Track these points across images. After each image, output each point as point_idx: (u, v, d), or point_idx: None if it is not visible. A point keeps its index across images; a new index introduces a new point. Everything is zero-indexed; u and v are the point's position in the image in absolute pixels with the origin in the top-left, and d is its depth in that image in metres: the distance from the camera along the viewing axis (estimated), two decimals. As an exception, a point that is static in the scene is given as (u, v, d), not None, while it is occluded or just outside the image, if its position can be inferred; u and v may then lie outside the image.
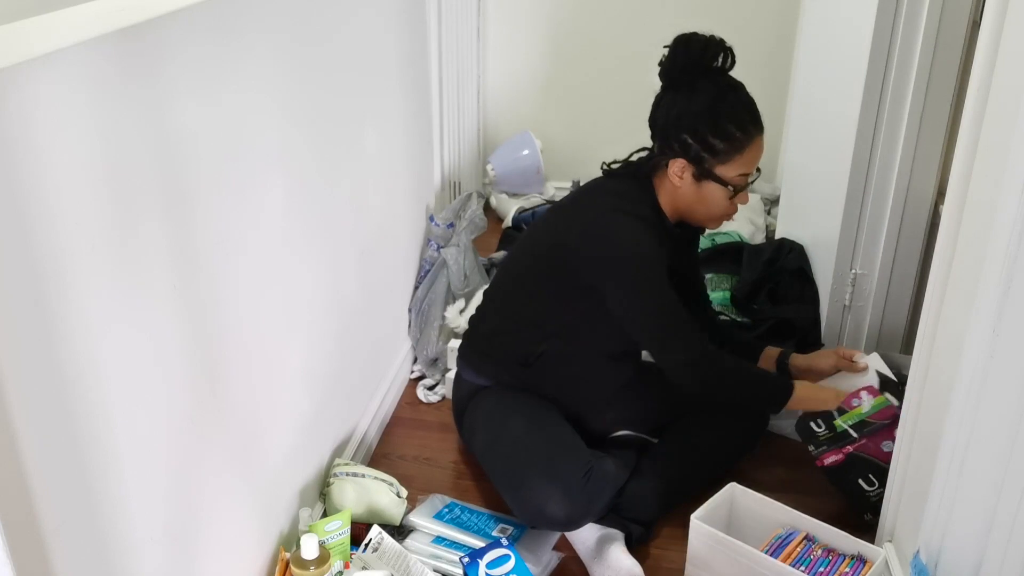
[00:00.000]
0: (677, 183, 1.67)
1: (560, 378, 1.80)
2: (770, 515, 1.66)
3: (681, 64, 1.64)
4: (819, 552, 1.56)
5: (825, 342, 2.16)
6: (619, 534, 1.69)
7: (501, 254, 2.71)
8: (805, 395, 1.74)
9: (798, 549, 1.57)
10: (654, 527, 1.75)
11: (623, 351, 1.83)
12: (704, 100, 1.62)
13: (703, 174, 1.64)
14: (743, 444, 1.93)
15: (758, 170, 1.69)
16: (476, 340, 1.91)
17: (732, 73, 1.67)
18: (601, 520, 1.70)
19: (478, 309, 1.94)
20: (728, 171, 1.64)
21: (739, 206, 1.71)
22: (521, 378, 1.81)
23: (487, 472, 1.80)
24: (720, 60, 1.64)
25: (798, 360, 1.90)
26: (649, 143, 1.74)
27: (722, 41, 1.64)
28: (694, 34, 1.65)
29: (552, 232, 1.77)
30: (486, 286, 2.04)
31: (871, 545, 1.51)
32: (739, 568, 1.56)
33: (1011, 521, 1.22)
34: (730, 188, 1.65)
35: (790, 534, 1.61)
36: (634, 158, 1.78)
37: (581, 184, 1.98)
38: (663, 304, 1.66)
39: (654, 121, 1.69)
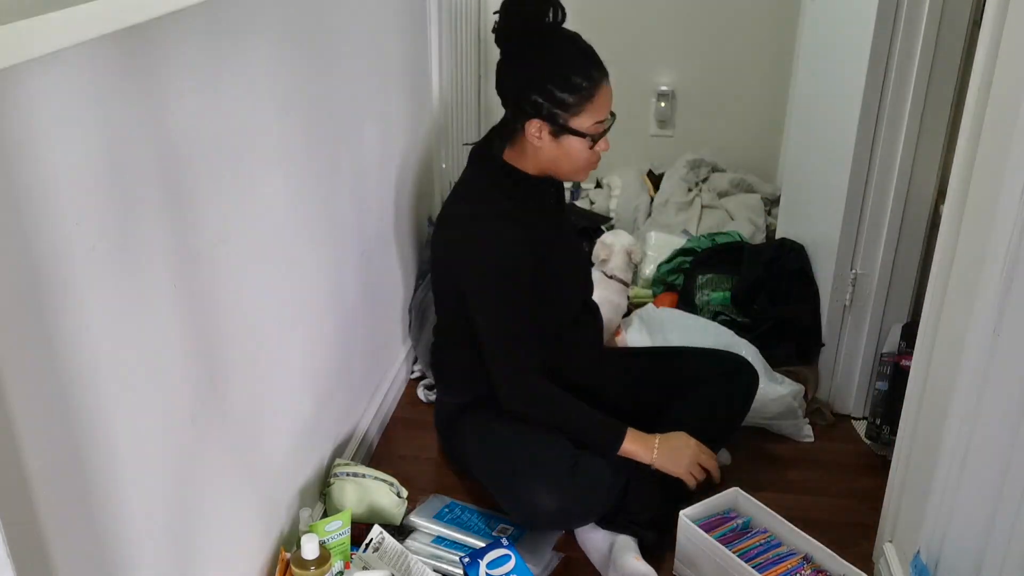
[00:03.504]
0: (537, 143, 1.67)
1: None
2: (771, 525, 1.66)
3: (515, 27, 1.66)
4: (808, 572, 1.56)
5: (825, 342, 2.16)
6: (631, 540, 1.68)
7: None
8: (633, 448, 1.69)
9: (789, 566, 1.56)
10: (668, 532, 1.71)
11: (556, 329, 1.82)
12: (545, 57, 1.63)
13: (560, 130, 1.65)
14: (734, 412, 1.92)
15: (612, 115, 1.69)
16: (441, 365, 1.97)
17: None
18: (612, 526, 1.70)
19: (433, 331, 2.00)
20: (583, 122, 1.64)
21: (602, 153, 1.71)
22: (490, 394, 1.81)
23: (483, 483, 1.81)
24: (551, 15, 1.66)
25: None
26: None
27: None
28: None
29: (436, 246, 1.84)
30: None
31: (861, 573, 1.50)
32: (719, 571, 1.56)
33: (1011, 521, 1.22)
34: (589, 138, 1.66)
35: (789, 552, 1.61)
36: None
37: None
38: (506, 320, 1.69)
39: (501, 88, 1.70)
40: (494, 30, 1.68)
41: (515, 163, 1.74)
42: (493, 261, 1.68)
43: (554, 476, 1.63)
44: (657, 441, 1.70)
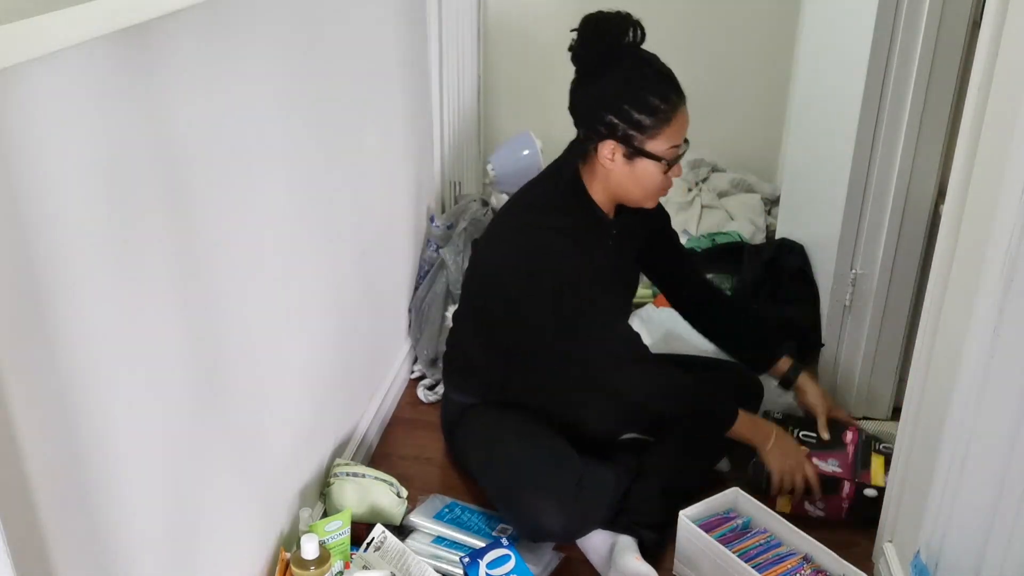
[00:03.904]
0: (609, 166, 1.64)
1: (540, 396, 1.81)
2: (771, 526, 1.66)
3: (594, 46, 1.60)
4: (808, 571, 1.56)
5: (825, 342, 2.16)
6: (631, 540, 1.68)
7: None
8: (746, 425, 1.72)
9: (789, 566, 1.56)
10: (668, 532, 1.71)
11: None
12: (623, 77, 1.59)
13: (634, 152, 1.61)
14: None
15: (686, 141, 1.67)
16: (455, 364, 1.93)
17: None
18: (612, 527, 1.69)
19: (451, 331, 1.96)
20: (658, 145, 1.61)
21: (674, 180, 1.69)
22: (505, 396, 1.83)
23: (485, 492, 1.80)
24: (631, 35, 1.61)
25: (802, 382, 1.91)
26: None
27: (629, 15, 1.61)
28: (600, 13, 1.61)
29: (484, 259, 1.80)
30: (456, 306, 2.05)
31: (861, 573, 1.50)
32: (718, 571, 1.56)
33: (1011, 521, 1.22)
34: (663, 162, 1.63)
35: (789, 552, 1.61)
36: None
37: None
38: (588, 319, 1.65)
39: (575, 108, 1.66)
40: (570, 48, 1.63)
41: (586, 183, 1.70)
42: (567, 267, 1.63)
43: (561, 496, 1.62)
44: (775, 432, 1.73)
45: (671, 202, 2.98)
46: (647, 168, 1.63)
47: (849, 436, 1.83)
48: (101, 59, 0.93)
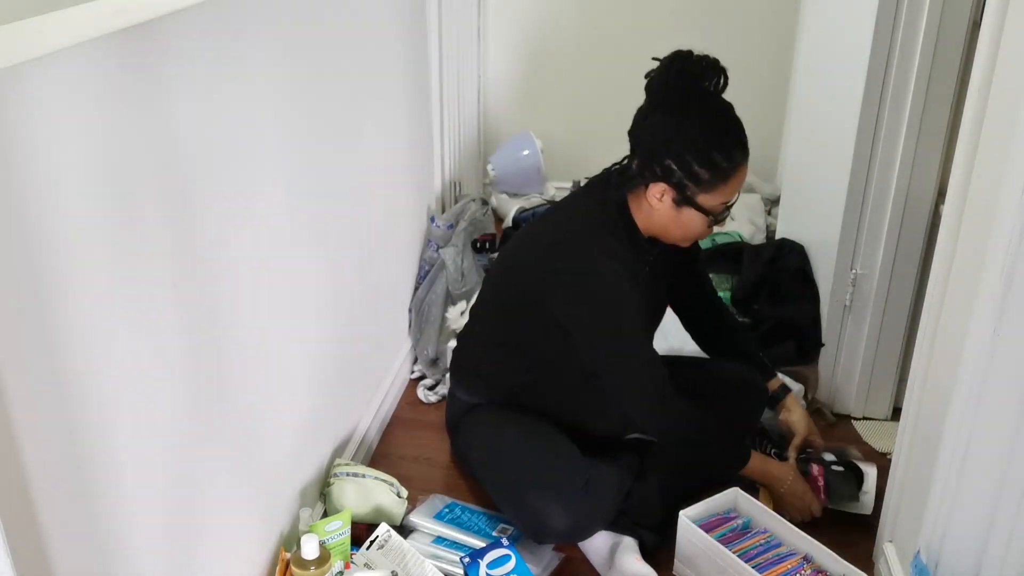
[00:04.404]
0: (655, 205, 1.60)
1: (550, 400, 1.79)
2: (771, 526, 1.66)
3: (673, 83, 1.56)
4: (808, 572, 1.56)
5: (825, 342, 2.16)
6: (632, 541, 1.68)
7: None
8: (757, 468, 1.71)
9: (789, 566, 1.56)
10: (669, 533, 1.70)
11: None
12: (694, 127, 1.55)
13: (684, 201, 1.57)
14: (740, 429, 1.91)
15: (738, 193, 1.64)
16: (466, 361, 1.90)
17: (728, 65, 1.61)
18: (613, 527, 1.69)
19: (465, 328, 1.94)
20: (710, 200, 1.57)
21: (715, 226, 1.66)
22: (513, 399, 1.82)
23: (488, 492, 1.80)
24: (713, 82, 1.57)
25: (789, 403, 1.90)
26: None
27: (717, 62, 1.56)
28: (690, 53, 1.57)
29: (526, 263, 1.72)
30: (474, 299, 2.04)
31: (861, 573, 1.50)
32: (718, 571, 1.56)
33: (1011, 521, 1.22)
34: (711, 216, 1.60)
35: (789, 552, 1.61)
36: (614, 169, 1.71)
37: (581, 184, 1.96)
38: (629, 354, 1.64)
39: (637, 137, 1.61)
40: (648, 76, 1.59)
41: (632, 211, 1.66)
42: (622, 294, 1.61)
43: (567, 496, 1.62)
44: (792, 475, 1.73)
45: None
46: (692, 218, 1.60)
47: (815, 469, 1.80)
48: (101, 59, 0.93)
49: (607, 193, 1.67)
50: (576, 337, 1.66)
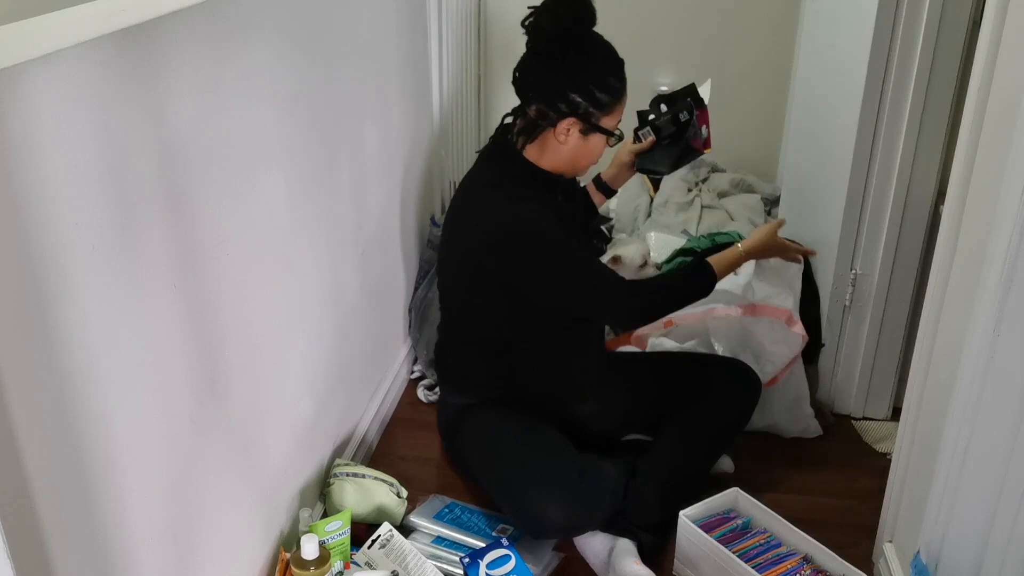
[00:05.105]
0: (562, 140, 1.70)
1: (538, 376, 1.83)
2: (771, 525, 1.66)
3: (552, 29, 1.66)
4: (808, 572, 1.56)
5: (825, 342, 2.16)
6: (630, 544, 1.68)
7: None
8: (721, 267, 1.81)
9: (789, 566, 1.56)
10: (667, 535, 1.72)
11: (574, 318, 1.85)
12: (591, 61, 1.67)
13: (590, 128, 1.69)
14: (737, 420, 1.92)
15: None
16: (449, 367, 1.94)
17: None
18: (611, 530, 1.70)
19: (439, 339, 1.98)
20: (610, 121, 1.71)
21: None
22: (503, 392, 1.83)
23: (486, 491, 1.80)
24: (587, 19, 1.68)
25: (606, 174, 2.05)
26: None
27: (587, 1, 1.67)
28: None
29: (457, 241, 1.81)
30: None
31: (861, 573, 1.50)
32: (718, 571, 1.56)
33: (1011, 521, 1.22)
34: (614, 135, 1.73)
35: (789, 552, 1.61)
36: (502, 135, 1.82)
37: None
38: (581, 272, 1.72)
39: (533, 87, 1.70)
40: (530, 28, 1.68)
41: (533, 160, 1.75)
42: (547, 227, 1.69)
43: (563, 489, 1.63)
44: (744, 249, 1.84)
45: (671, 202, 2.99)
46: (597, 143, 1.73)
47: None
48: (101, 59, 0.93)
49: (503, 155, 1.77)
50: (531, 285, 1.73)
